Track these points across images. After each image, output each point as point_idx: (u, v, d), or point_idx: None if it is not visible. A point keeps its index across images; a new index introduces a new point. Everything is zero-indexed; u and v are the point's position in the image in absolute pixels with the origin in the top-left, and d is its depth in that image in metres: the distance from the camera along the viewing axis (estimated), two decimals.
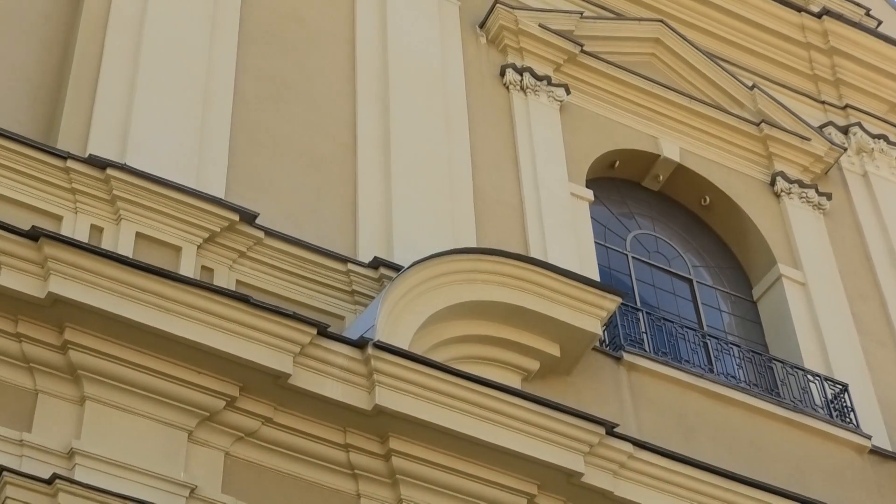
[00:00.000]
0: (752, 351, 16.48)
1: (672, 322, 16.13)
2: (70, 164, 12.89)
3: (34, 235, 11.52)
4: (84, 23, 14.66)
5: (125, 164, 13.15)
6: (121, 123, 13.81)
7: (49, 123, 13.85)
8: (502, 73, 17.30)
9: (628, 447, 13.02)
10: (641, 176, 18.03)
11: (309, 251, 13.71)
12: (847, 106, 20.04)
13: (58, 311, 11.48)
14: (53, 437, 11.26)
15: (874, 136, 19.73)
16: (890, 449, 16.02)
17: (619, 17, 19.14)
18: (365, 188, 14.98)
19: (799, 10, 20.46)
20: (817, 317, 17.11)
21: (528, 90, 17.19)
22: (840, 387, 16.21)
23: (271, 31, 15.91)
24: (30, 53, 14.34)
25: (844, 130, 19.67)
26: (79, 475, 11.00)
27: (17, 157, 12.75)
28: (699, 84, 18.84)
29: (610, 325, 15.11)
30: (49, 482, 10.77)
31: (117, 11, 14.80)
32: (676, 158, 17.92)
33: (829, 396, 16.10)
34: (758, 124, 18.58)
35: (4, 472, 10.71)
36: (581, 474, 12.66)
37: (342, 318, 13.53)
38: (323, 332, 12.17)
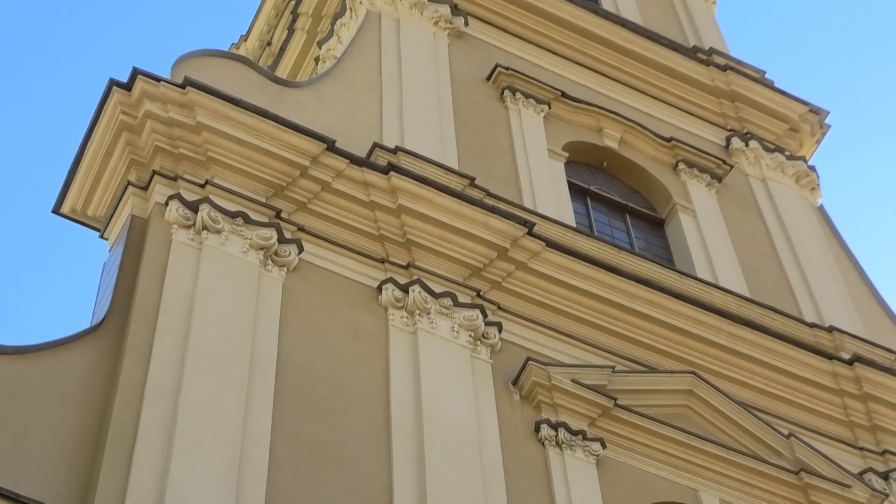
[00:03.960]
0: None
1: None
2: None
3: None
4: (120, 393, 14.81)
5: None
6: (156, 491, 13.81)
7: (84, 493, 13.84)
8: (537, 429, 17.29)
9: None
10: None
11: None
12: (885, 452, 19.87)
13: None
14: None
15: None
16: None
17: (651, 370, 19.22)
18: None
19: (830, 357, 20.55)
20: None
21: (563, 445, 17.14)
22: None
23: (306, 395, 16.02)
24: (66, 424, 14.47)
25: (885, 476, 19.44)
26: None
27: None
28: (735, 434, 18.78)
29: None
30: None
31: (154, 381, 14.98)
32: None
33: None
34: (797, 473, 18.42)
35: None
36: None
37: None
38: None
